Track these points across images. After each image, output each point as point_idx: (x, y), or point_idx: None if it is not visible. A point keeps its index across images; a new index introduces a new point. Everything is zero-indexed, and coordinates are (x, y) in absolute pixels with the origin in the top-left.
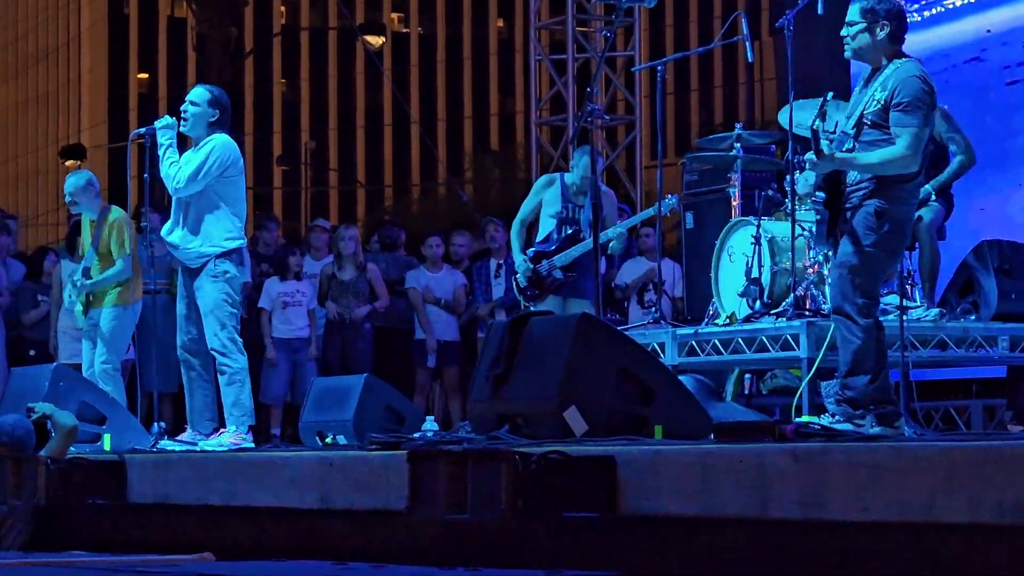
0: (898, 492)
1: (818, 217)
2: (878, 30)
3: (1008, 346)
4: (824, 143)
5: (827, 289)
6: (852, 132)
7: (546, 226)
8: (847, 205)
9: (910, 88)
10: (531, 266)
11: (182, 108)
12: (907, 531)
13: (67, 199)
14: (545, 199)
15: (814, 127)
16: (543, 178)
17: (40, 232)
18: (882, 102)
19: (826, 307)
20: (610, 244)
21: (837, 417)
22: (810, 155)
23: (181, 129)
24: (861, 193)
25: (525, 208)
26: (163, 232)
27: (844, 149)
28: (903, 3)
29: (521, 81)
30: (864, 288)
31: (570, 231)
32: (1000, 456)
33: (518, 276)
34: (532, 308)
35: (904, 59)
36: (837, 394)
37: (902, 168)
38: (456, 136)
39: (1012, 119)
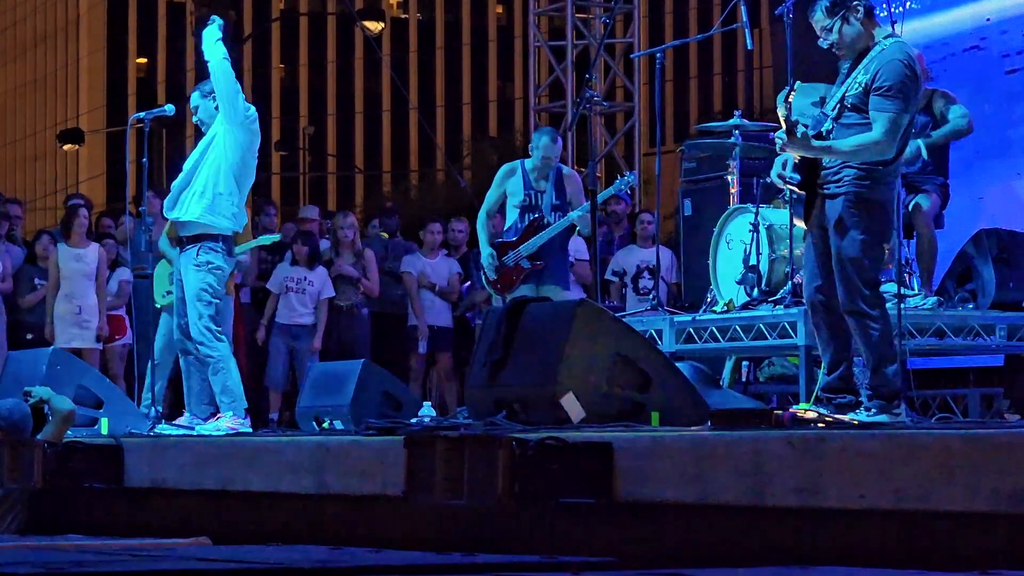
0: (894, 480)
1: (795, 196)
2: (853, 16)
3: (1006, 335)
4: (799, 128)
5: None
6: (833, 113)
7: (510, 216)
8: (825, 191)
9: (892, 72)
10: (497, 259)
11: (194, 120)
12: (903, 519)
13: None
14: (508, 189)
15: (783, 114)
16: (504, 167)
17: (38, 216)
18: (863, 85)
19: None
20: (576, 226)
21: (873, 411)
22: (781, 133)
23: (204, 129)
24: (839, 179)
25: (489, 199)
26: (174, 183)
27: (824, 130)
28: None
29: (520, 67)
30: (867, 278)
31: (533, 217)
32: (997, 444)
33: (486, 269)
34: (506, 299)
35: (891, 39)
36: (867, 389)
37: (877, 155)
38: (455, 122)
39: (1012, 108)
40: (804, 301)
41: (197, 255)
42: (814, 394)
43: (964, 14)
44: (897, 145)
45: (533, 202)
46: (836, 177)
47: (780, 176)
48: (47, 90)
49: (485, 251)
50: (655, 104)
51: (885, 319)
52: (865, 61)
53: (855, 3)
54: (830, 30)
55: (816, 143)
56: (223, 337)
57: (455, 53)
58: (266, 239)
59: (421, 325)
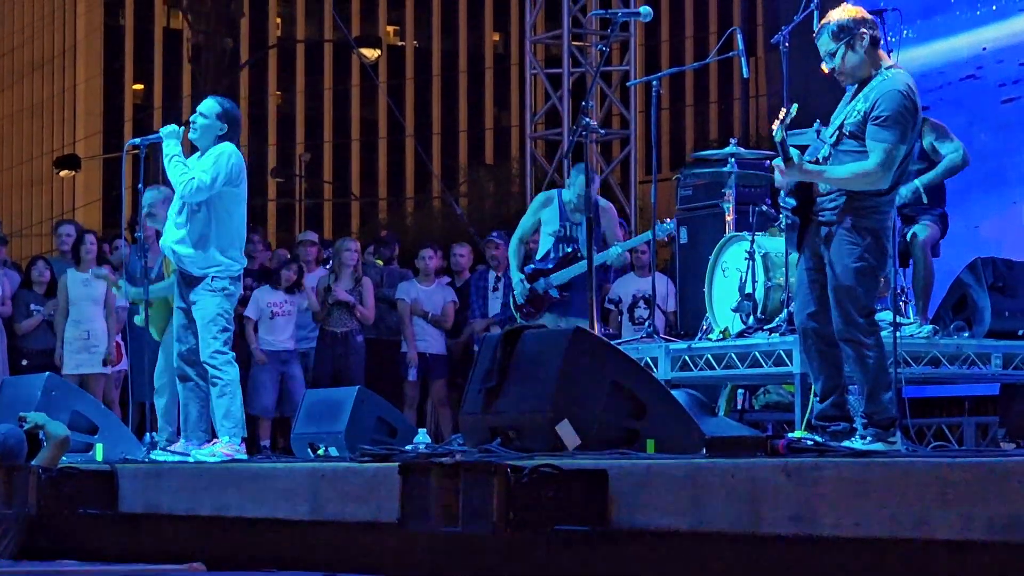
0: (890, 508)
1: (789, 222)
2: (858, 43)
3: (1001, 363)
4: (794, 152)
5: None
6: (831, 140)
7: (544, 244)
8: (821, 218)
9: (890, 103)
10: (528, 285)
11: (191, 118)
12: (899, 547)
13: (145, 210)
14: (543, 217)
15: (780, 138)
16: (541, 196)
17: (35, 242)
18: (863, 113)
19: None
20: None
21: (869, 439)
22: (778, 161)
23: (188, 136)
24: (834, 207)
25: (523, 226)
26: (163, 239)
27: (821, 156)
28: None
29: (516, 95)
30: (862, 306)
31: (568, 249)
32: (992, 473)
33: (515, 294)
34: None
35: (892, 69)
36: (862, 417)
37: (871, 184)
38: (451, 149)
39: (1007, 137)
40: (795, 328)
41: (212, 281)
42: (805, 421)
43: (960, 43)
44: (893, 176)
45: (568, 233)
46: (832, 204)
47: (777, 201)
48: (44, 116)
49: (516, 276)
50: (651, 132)
51: (880, 347)
52: (866, 90)
53: (861, 31)
54: (834, 55)
55: (811, 167)
56: (235, 363)
57: (452, 80)
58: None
59: (411, 352)
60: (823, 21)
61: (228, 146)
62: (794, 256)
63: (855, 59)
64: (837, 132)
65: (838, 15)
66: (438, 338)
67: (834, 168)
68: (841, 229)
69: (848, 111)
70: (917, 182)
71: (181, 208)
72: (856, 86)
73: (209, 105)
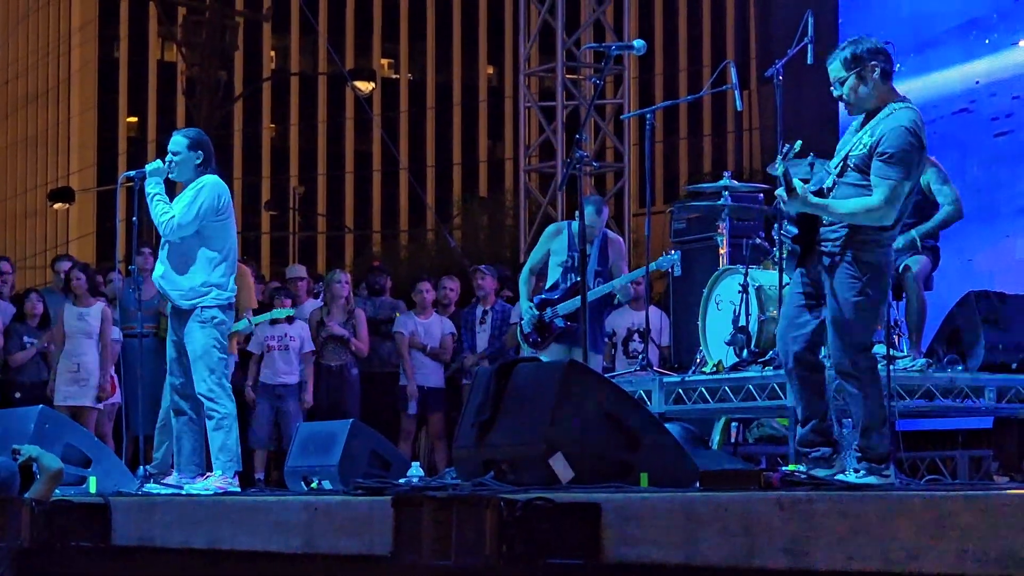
0: (883, 541)
1: (790, 249)
2: (869, 74)
3: (995, 396)
4: (798, 183)
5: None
6: (835, 171)
7: (553, 274)
8: (823, 248)
9: (896, 139)
10: (536, 314)
11: (165, 160)
12: None
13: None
14: (553, 248)
15: (781, 171)
16: (551, 227)
17: (28, 275)
18: (868, 147)
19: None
20: (616, 294)
21: (862, 472)
22: (780, 191)
23: (170, 177)
24: (836, 239)
25: (534, 257)
26: (155, 275)
27: (826, 187)
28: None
29: (510, 128)
30: (859, 340)
31: (576, 279)
32: (985, 506)
33: (523, 323)
34: (536, 355)
35: (900, 104)
36: (856, 451)
37: (874, 220)
38: (445, 182)
39: (1000, 170)
40: (778, 351)
41: (201, 312)
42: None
43: (953, 77)
44: (897, 212)
45: (576, 264)
46: (834, 235)
47: (771, 234)
48: (38, 149)
49: (524, 305)
50: (645, 164)
51: (876, 381)
52: (872, 123)
53: (873, 63)
54: (843, 83)
55: (815, 200)
56: (233, 397)
57: (445, 113)
58: (280, 312)
59: (411, 386)
60: (839, 47)
61: (209, 178)
62: (787, 290)
63: (864, 91)
64: (842, 163)
65: (853, 44)
66: (436, 371)
67: (838, 202)
68: (843, 263)
69: (854, 143)
70: (914, 233)
71: (165, 243)
72: (863, 117)
73: (177, 141)
